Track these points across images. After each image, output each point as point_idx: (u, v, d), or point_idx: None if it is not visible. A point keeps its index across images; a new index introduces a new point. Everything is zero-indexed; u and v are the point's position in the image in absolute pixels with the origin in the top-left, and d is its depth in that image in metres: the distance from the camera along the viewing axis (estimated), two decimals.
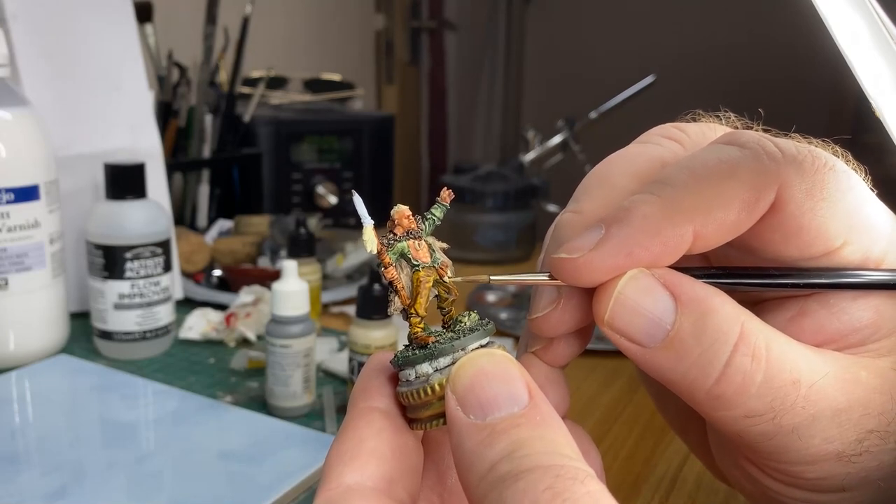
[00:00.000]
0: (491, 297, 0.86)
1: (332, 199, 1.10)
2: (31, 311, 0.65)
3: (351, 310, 0.80)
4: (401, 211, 0.21)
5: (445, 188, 0.22)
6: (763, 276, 0.23)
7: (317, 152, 1.12)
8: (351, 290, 0.83)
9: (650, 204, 0.22)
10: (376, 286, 0.56)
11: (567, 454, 0.17)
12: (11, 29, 0.69)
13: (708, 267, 0.23)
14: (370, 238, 0.20)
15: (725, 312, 0.21)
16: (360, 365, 0.56)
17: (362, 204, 0.21)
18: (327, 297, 0.80)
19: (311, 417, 0.58)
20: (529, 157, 1.14)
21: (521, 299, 0.87)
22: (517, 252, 1.06)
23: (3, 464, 0.49)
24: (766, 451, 0.22)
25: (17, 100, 0.63)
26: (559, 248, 0.22)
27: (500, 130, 2.25)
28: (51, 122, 0.66)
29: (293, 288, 0.56)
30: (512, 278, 0.24)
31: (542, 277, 0.23)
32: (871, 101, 0.25)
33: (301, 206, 1.10)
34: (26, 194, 0.62)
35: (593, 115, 1.13)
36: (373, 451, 0.20)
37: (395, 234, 0.21)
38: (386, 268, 0.21)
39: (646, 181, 0.23)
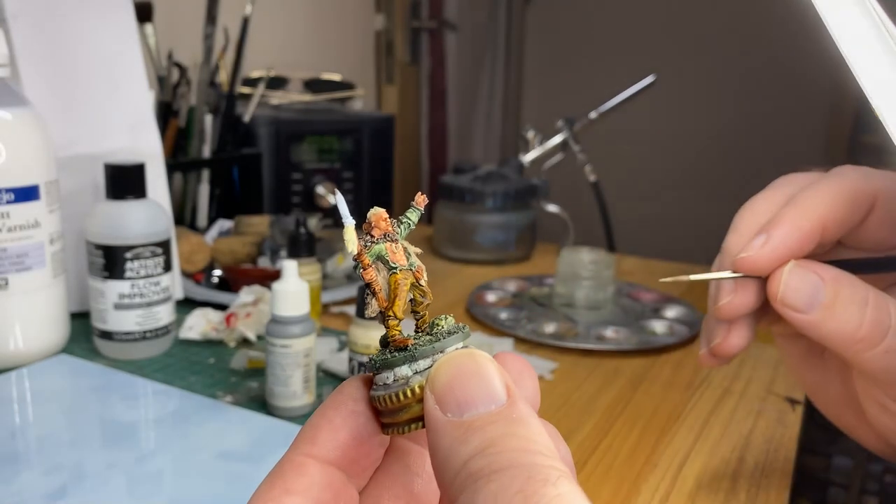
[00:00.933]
0: (491, 298, 0.86)
1: (332, 199, 1.10)
2: (32, 311, 0.65)
3: (351, 310, 0.80)
4: (378, 213, 0.21)
5: (420, 193, 0.22)
6: (868, 264, 0.35)
7: (317, 152, 1.12)
8: (351, 290, 0.83)
9: (792, 212, 0.33)
10: None
11: (541, 452, 0.17)
12: (11, 29, 0.69)
13: (833, 260, 0.33)
14: (351, 238, 0.20)
15: (856, 284, 0.32)
16: (360, 365, 0.56)
17: (344, 203, 0.21)
18: (327, 297, 0.80)
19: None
20: (529, 157, 1.14)
21: (522, 299, 0.87)
22: (517, 252, 1.06)
23: (3, 464, 0.49)
24: None
25: (17, 100, 0.63)
26: (734, 255, 0.33)
27: (500, 130, 2.25)
28: (51, 122, 0.66)
29: (293, 288, 0.56)
30: (707, 276, 0.35)
31: (728, 274, 0.34)
32: (871, 101, 0.25)
33: (301, 206, 1.10)
34: (26, 194, 0.62)
35: (593, 115, 1.13)
36: None
37: (372, 237, 0.21)
38: (365, 269, 0.21)
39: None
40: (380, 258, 0.21)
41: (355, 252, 0.20)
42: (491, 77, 2.19)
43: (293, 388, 0.57)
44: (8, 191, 0.61)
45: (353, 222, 0.20)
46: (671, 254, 1.19)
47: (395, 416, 0.20)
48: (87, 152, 0.73)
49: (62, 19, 0.73)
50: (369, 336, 0.56)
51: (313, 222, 0.92)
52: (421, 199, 0.22)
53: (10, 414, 0.56)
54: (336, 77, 1.31)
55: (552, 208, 1.10)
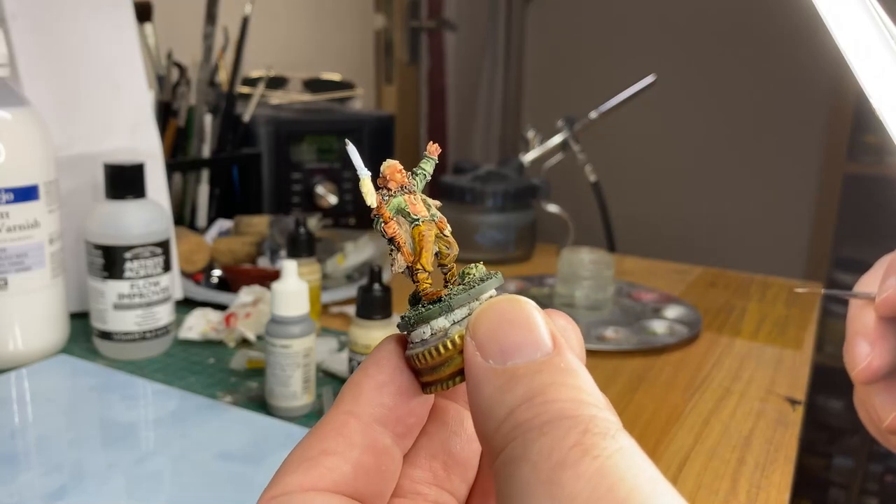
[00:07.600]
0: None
1: (332, 199, 1.10)
2: (31, 312, 0.65)
3: (351, 310, 0.80)
4: (392, 165, 0.20)
5: (432, 142, 0.21)
6: None
7: (316, 152, 1.12)
8: (351, 290, 0.83)
9: None
10: (376, 286, 0.56)
11: (594, 404, 0.16)
12: (11, 29, 0.69)
13: None
14: (369, 190, 0.19)
15: None
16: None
17: (358, 154, 0.19)
18: (327, 297, 0.80)
19: (310, 417, 0.58)
20: (529, 157, 1.14)
21: None
22: (517, 252, 1.06)
23: (3, 464, 0.49)
24: None
25: (17, 100, 0.63)
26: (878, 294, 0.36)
27: (500, 130, 2.25)
28: (51, 122, 0.66)
29: (293, 288, 0.56)
30: (841, 293, 0.38)
31: (860, 293, 0.37)
32: (871, 101, 0.25)
33: (301, 206, 1.10)
34: (26, 194, 0.62)
35: (593, 115, 1.12)
36: (333, 467, 0.19)
37: (388, 190, 0.20)
38: (386, 223, 0.19)
39: None
40: (400, 211, 0.20)
41: (374, 205, 0.19)
42: (491, 77, 2.19)
43: (293, 388, 0.57)
44: (7, 191, 0.61)
45: (369, 174, 0.19)
46: (671, 254, 1.19)
47: (437, 372, 0.19)
48: (87, 152, 0.73)
49: (62, 19, 0.73)
50: (369, 336, 0.56)
51: (313, 222, 0.92)
52: (434, 148, 0.21)
53: (9, 414, 0.56)
54: (336, 77, 1.31)
55: (552, 208, 1.10)
